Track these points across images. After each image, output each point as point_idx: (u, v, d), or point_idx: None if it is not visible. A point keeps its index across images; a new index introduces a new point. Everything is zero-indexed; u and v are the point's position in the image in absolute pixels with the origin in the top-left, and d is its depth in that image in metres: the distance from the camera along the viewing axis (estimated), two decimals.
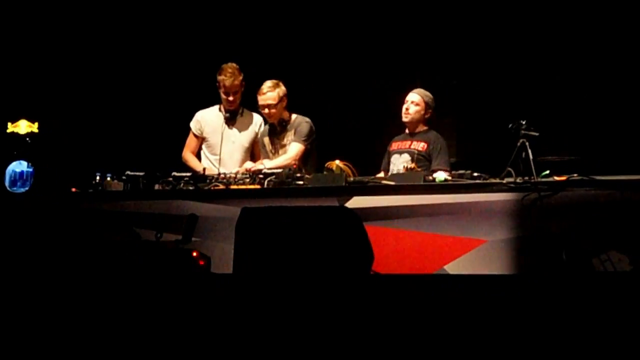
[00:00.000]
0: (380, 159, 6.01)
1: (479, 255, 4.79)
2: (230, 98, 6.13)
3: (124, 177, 5.63)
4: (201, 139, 6.31)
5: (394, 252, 4.91)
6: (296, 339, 3.61)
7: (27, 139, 6.15)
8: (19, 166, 5.90)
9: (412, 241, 4.93)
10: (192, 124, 6.33)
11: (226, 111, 6.22)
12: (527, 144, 4.83)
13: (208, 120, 6.30)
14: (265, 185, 5.30)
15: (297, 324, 3.64)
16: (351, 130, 7.20)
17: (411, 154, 5.76)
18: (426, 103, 5.87)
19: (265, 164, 5.76)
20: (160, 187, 5.57)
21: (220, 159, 6.14)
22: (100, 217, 5.44)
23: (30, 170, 5.86)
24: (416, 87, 6.06)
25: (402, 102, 5.90)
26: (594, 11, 6.48)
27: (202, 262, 4.30)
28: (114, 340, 3.77)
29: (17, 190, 5.80)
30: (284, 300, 3.75)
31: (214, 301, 3.90)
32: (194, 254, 4.31)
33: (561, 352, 3.45)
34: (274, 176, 5.33)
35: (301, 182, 5.34)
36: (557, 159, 4.94)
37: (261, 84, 6.02)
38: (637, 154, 5.82)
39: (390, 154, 5.92)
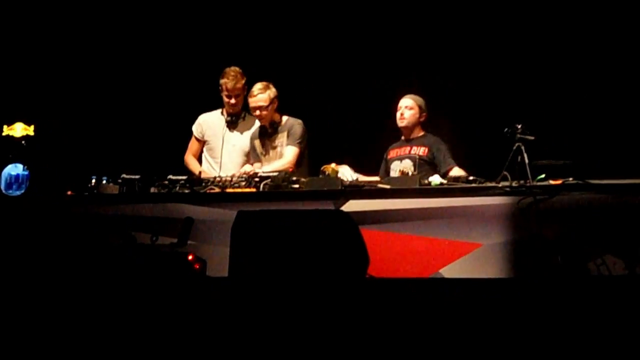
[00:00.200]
0: (376, 162, 6.00)
1: (475, 259, 4.79)
2: (232, 101, 6.14)
3: (119, 180, 5.62)
4: (203, 142, 6.33)
5: (389, 255, 4.91)
6: (291, 342, 3.61)
7: (23, 142, 6.13)
8: (15, 169, 5.89)
9: (408, 245, 4.93)
10: (194, 127, 6.36)
11: (228, 114, 6.24)
12: (522, 147, 4.84)
13: (210, 123, 6.32)
14: (261, 189, 5.29)
15: (292, 328, 3.64)
16: (347, 134, 7.20)
17: (413, 159, 5.75)
18: (419, 107, 5.88)
19: (264, 169, 5.75)
20: (156, 190, 5.56)
21: (220, 162, 6.15)
22: (95, 221, 5.44)
23: (26, 173, 5.85)
24: (412, 89, 6.07)
25: (395, 109, 5.91)
26: (589, 16, 6.49)
27: (197, 266, 4.30)
28: (109, 343, 3.77)
29: (12, 193, 5.78)
30: (279, 304, 3.75)
31: (209, 304, 3.90)
32: (190, 257, 4.31)
33: (556, 355, 3.46)
34: (269, 179, 5.32)
35: (297, 186, 5.33)
36: (553, 163, 4.95)
37: None
38: (632, 157, 5.83)
39: (388, 162, 5.91)
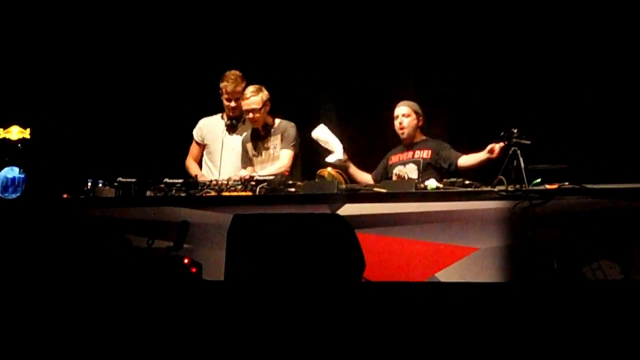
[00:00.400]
0: (372, 166, 6.00)
1: (471, 263, 4.80)
2: (232, 104, 6.15)
3: (115, 184, 5.62)
4: (203, 146, 6.34)
5: (385, 259, 4.91)
6: (287, 346, 3.61)
7: (19, 145, 6.13)
8: (11, 172, 5.88)
9: (404, 249, 4.94)
10: (195, 131, 6.37)
11: (228, 118, 6.25)
12: (518, 152, 4.85)
13: (210, 127, 6.33)
14: (257, 192, 5.30)
15: (288, 332, 3.63)
16: (344, 137, 7.20)
17: (417, 163, 5.75)
18: (416, 112, 5.87)
19: (261, 173, 5.74)
20: (152, 194, 5.57)
21: (219, 166, 6.16)
22: (91, 224, 5.43)
23: (22, 176, 5.84)
24: (408, 94, 6.08)
25: (390, 115, 5.91)
26: (583, 21, 6.50)
27: (193, 269, 4.29)
28: (105, 347, 3.77)
29: (8, 196, 5.78)
30: (275, 308, 3.75)
31: (205, 308, 3.89)
32: (186, 260, 4.30)
33: None
34: (265, 183, 5.33)
35: (293, 190, 5.34)
36: (549, 167, 4.96)
37: None
38: (628, 162, 5.83)
39: (389, 167, 5.89)
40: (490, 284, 4.67)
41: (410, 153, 5.84)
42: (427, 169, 5.69)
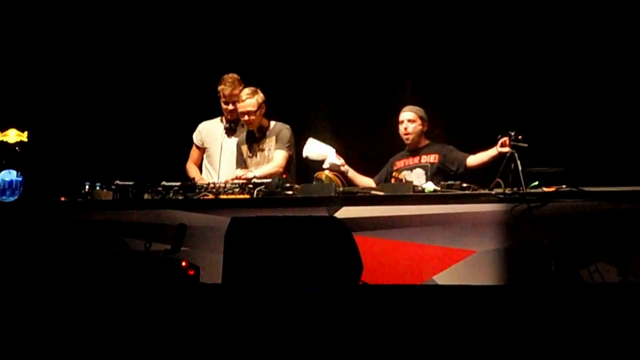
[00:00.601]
0: (371, 169, 5.99)
1: (468, 266, 4.80)
2: (230, 107, 6.16)
3: (113, 187, 5.62)
4: (203, 150, 6.34)
5: (383, 262, 4.91)
6: (285, 349, 3.60)
7: (17, 148, 6.13)
8: (9, 175, 5.88)
9: (401, 251, 4.94)
10: (194, 135, 6.38)
11: (227, 121, 6.25)
12: (516, 155, 4.85)
13: (209, 130, 6.34)
14: (255, 195, 5.29)
15: (286, 335, 3.63)
16: (341, 139, 7.20)
17: (425, 167, 5.73)
18: (420, 117, 5.84)
19: (254, 173, 5.75)
20: (150, 197, 5.56)
21: (219, 169, 6.16)
22: (89, 227, 5.43)
23: (20, 179, 5.84)
24: (407, 96, 6.08)
25: (397, 122, 5.88)
26: (581, 24, 6.51)
27: (191, 272, 4.29)
28: (103, 349, 3.76)
29: (6, 199, 5.77)
30: (272, 311, 3.74)
31: (203, 311, 3.89)
32: (183, 263, 4.30)
33: None
34: (263, 186, 5.32)
35: (290, 192, 5.34)
36: (546, 170, 4.96)
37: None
38: (625, 165, 5.84)
39: (394, 173, 5.86)
40: (488, 286, 4.66)
41: (417, 158, 5.82)
42: (435, 174, 5.66)
